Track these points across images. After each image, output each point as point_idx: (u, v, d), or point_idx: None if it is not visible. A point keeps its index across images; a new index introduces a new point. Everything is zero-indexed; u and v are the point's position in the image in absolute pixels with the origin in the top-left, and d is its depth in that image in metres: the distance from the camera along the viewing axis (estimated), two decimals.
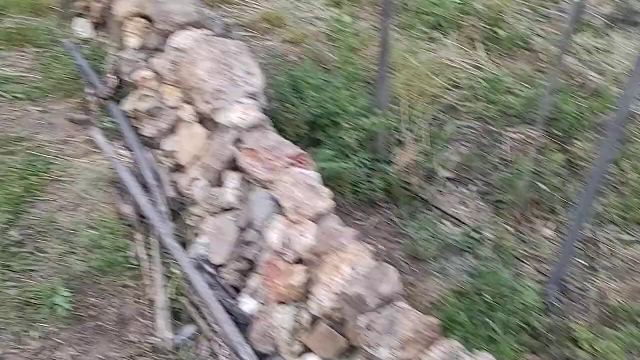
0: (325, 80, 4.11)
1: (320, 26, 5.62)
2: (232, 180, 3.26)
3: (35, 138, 3.95)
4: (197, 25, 4.10)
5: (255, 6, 5.83)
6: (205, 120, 3.74)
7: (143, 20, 4.29)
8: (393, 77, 4.79)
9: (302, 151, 3.24)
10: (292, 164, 3.16)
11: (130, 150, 3.90)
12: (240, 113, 3.39)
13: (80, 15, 5.02)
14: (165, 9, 4.13)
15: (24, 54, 4.65)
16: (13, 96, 4.22)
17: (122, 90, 4.33)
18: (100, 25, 4.86)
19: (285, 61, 4.88)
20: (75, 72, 4.48)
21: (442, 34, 5.70)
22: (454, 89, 4.90)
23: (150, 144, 3.95)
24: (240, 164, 3.23)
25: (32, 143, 3.89)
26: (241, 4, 5.83)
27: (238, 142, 3.34)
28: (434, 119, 4.47)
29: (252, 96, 3.59)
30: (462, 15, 5.82)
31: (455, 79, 5.01)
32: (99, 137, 3.95)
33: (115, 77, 4.31)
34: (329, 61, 5.04)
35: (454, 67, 5.20)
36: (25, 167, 3.69)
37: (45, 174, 3.67)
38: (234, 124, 3.36)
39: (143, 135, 3.96)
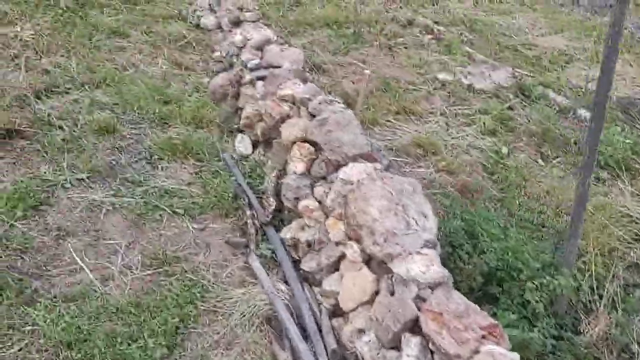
0: (501, 226, 3.67)
1: (475, 155, 5.27)
2: (411, 345, 2.82)
3: (192, 259, 3.76)
4: (367, 157, 3.86)
5: (404, 129, 5.62)
6: (371, 261, 3.39)
7: (308, 146, 4.12)
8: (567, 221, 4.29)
9: (494, 321, 2.76)
10: (484, 336, 2.68)
11: (287, 284, 3.59)
12: (422, 265, 3.00)
13: (240, 131, 4.98)
14: (336, 138, 3.94)
15: (184, 166, 4.61)
16: (172, 211, 4.11)
17: (280, 213, 4.12)
18: (259, 143, 4.76)
19: (443, 191, 4.53)
20: (234, 189, 4.34)
21: (611, 174, 5.16)
22: (634, 243, 4.29)
23: (308, 278, 3.63)
24: (422, 329, 2.80)
25: (189, 264, 3.69)
26: (391, 126, 5.64)
27: (418, 299, 2.92)
28: (617, 278, 3.86)
29: (430, 244, 3.21)
30: (632, 156, 5.28)
31: (635, 230, 4.40)
32: (255, 265, 3.70)
33: (274, 200, 4.11)
34: (490, 198, 4.63)
35: (631, 215, 4.61)
36: (182, 292, 3.46)
37: (201, 303, 3.42)
38: (412, 277, 2.97)
39: (302, 268, 3.66)
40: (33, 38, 6.04)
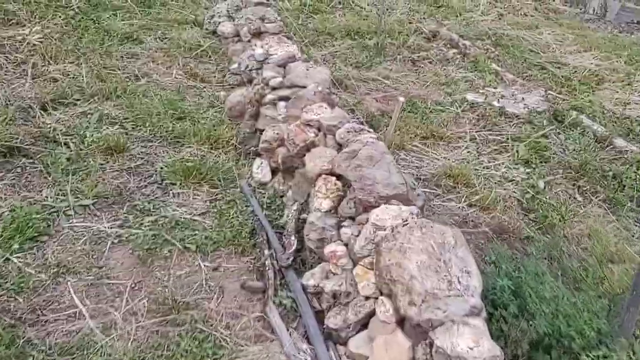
0: (551, 286, 3.24)
1: (509, 188, 4.82)
2: None
3: (204, 305, 3.34)
4: (402, 199, 3.42)
5: (432, 155, 5.17)
6: (405, 321, 2.96)
7: (335, 181, 3.69)
8: (610, 270, 3.86)
9: None
10: None
11: (309, 341, 3.17)
12: (469, 340, 2.58)
13: (258, 154, 4.56)
14: (367, 175, 3.51)
15: (198, 193, 4.19)
16: (184, 246, 3.69)
17: (301, 252, 3.70)
18: (279, 170, 4.33)
19: (479, 230, 4.11)
20: (251, 222, 3.92)
21: None
22: None
23: (332, 334, 3.20)
24: None
25: (200, 312, 3.28)
26: (418, 151, 5.20)
27: None
28: None
29: (477, 310, 2.78)
30: None
31: None
32: (274, 318, 3.27)
33: (295, 239, 3.69)
34: (528, 238, 4.20)
35: None
36: (192, 347, 3.04)
37: None
38: (459, 354, 2.54)
39: (326, 324, 3.23)
40: (41, 42, 5.63)
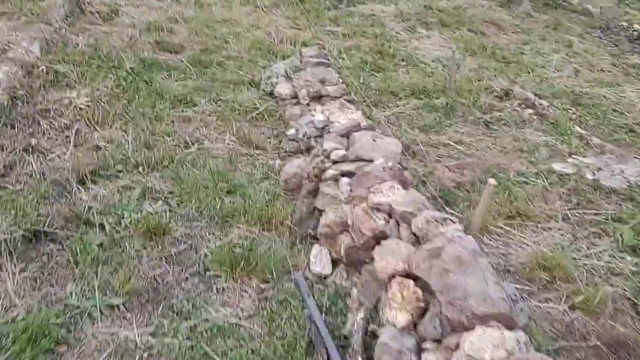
0: None
1: (617, 284, 3.88)
2: None
3: None
4: (504, 318, 2.58)
5: (521, 239, 4.30)
6: None
7: (414, 288, 2.90)
8: None
9: None
10: None
11: None
12: None
13: (315, 238, 3.83)
14: (456, 283, 2.70)
15: (246, 288, 3.48)
16: None
17: None
18: (341, 261, 3.58)
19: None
20: (308, 331, 3.15)
21: None
22: None
23: None
24: None
25: None
26: (502, 234, 4.34)
27: None
28: None
29: None
30: None
31: None
32: None
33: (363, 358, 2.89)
34: None
35: None
36: None
37: None
38: None
39: None
40: (88, 106, 5.17)
